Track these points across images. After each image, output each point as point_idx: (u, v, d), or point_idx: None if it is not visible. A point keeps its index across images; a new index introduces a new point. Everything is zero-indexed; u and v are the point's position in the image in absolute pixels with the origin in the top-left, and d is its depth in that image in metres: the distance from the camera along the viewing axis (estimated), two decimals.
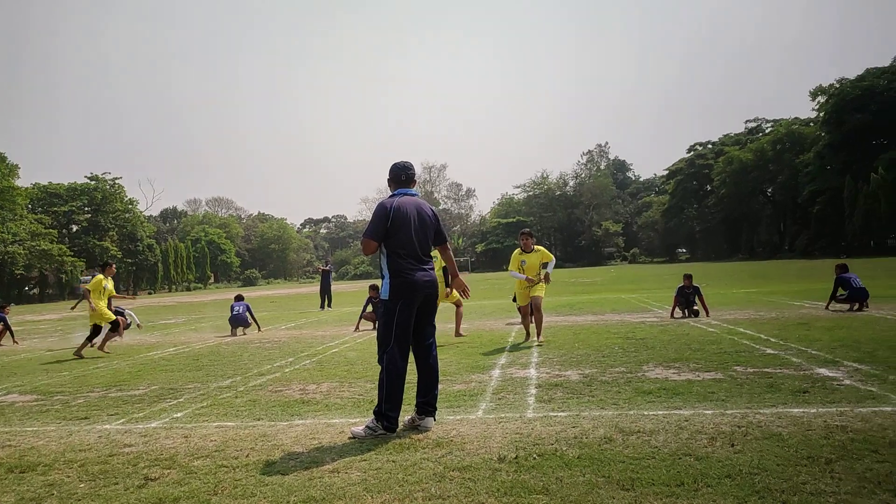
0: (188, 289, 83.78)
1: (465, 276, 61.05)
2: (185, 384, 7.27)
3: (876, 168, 54.24)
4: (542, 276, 9.18)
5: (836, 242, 59.82)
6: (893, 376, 5.57)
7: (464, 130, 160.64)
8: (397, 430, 4.58)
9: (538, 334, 9.22)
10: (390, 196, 4.91)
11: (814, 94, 68.00)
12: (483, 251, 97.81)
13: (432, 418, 4.74)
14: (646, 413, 4.73)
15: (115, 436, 4.96)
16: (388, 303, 4.70)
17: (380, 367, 4.71)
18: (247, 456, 4.19)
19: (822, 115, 65.49)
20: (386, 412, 4.56)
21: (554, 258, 9.44)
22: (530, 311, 9.33)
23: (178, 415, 5.64)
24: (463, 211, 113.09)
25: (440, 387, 6.15)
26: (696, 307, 11.83)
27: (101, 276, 11.17)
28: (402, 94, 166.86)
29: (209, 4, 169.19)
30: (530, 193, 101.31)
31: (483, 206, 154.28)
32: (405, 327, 4.67)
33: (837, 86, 62.91)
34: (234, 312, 13.36)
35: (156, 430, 5.11)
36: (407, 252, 4.71)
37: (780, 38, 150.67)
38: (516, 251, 9.45)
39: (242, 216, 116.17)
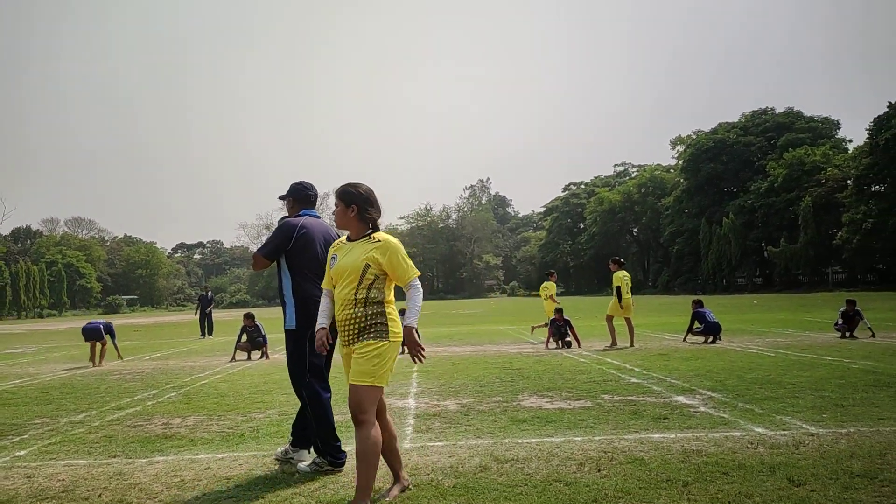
0: (41, 315, 76.69)
1: None
2: (31, 419, 6.60)
3: (727, 213, 59.62)
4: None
5: (692, 279, 64.85)
6: (742, 403, 6.05)
7: (348, 157, 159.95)
8: (344, 462, 4.29)
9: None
10: (294, 216, 4.61)
11: (674, 144, 74.34)
12: None
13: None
14: (520, 441, 4.83)
15: None
16: (297, 333, 4.37)
17: (300, 401, 4.47)
18: (99, 496, 3.84)
19: (680, 162, 71.45)
20: (325, 448, 4.27)
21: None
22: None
23: (21, 453, 5.09)
24: None
25: None
26: (568, 338, 12.35)
27: None
28: (286, 115, 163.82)
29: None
30: (413, 225, 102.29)
31: None
32: (319, 357, 4.36)
33: (694, 137, 68.96)
34: (88, 324, 12.34)
35: None
36: (315, 274, 4.38)
37: (647, 89, 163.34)
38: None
39: (106, 238, 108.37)
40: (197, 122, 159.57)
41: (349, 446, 4.40)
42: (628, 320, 12.28)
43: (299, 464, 4.36)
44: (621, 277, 12.23)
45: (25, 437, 5.73)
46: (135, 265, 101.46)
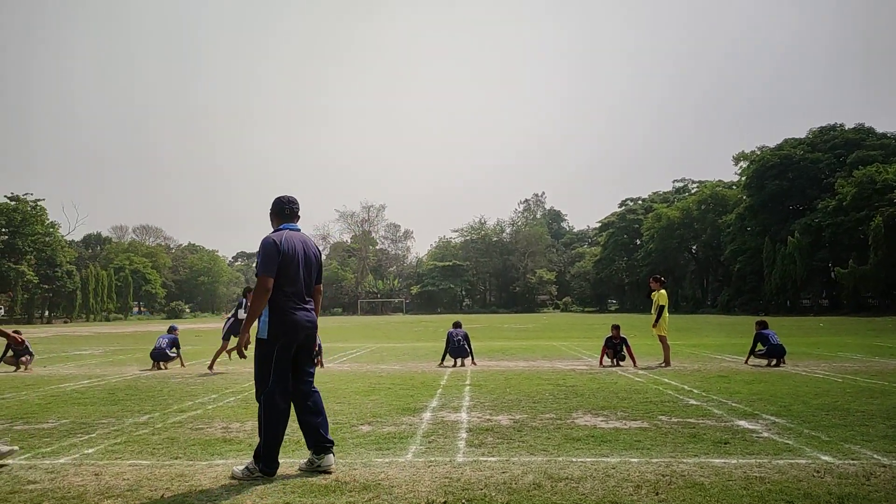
0: (107, 319, 79.93)
1: (398, 318, 60.25)
2: (98, 419, 6.88)
3: (792, 232, 57.53)
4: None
5: (754, 300, 62.69)
6: (808, 430, 5.81)
7: (405, 171, 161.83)
8: (276, 473, 4.40)
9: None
10: (275, 231, 4.71)
11: (736, 160, 72.16)
12: (418, 293, 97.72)
13: (331, 455, 4.54)
14: (574, 460, 4.76)
15: (19, 472, 4.63)
16: (266, 343, 4.48)
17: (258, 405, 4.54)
18: (161, 496, 3.97)
19: (743, 179, 69.37)
20: (264, 454, 4.38)
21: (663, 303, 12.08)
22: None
23: (90, 451, 5.31)
24: (400, 252, 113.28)
25: (367, 428, 6.06)
26: (623, 356, 12.12)
27: None
28: (344, 131, 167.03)
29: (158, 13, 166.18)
30: (467, 238, 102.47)
31: (420, 248, 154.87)
32: (284, 368, 4.49)
33: (758, 153, 66.91)
34: (156, 345, 12.80)
35: (64, 466, 4.79)
36: (293, 290, 4.53)
37: (710, 104, 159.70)
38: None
39: (171, 246, 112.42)
40: (263, 134, 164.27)
41: (290, 459, 4.54)
42: (663, 339, 12.21)
43: (234, 467, 4.47)
44: (665, 296, 12.22)
45: (93, 435, 5.97)
46: (197, 272, 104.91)
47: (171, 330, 13.42)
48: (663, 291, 12.23)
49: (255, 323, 4.55)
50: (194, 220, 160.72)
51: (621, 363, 12.10)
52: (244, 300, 12.23)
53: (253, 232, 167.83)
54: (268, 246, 4.50)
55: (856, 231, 52.72)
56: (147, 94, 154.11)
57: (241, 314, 11.97)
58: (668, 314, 12.28)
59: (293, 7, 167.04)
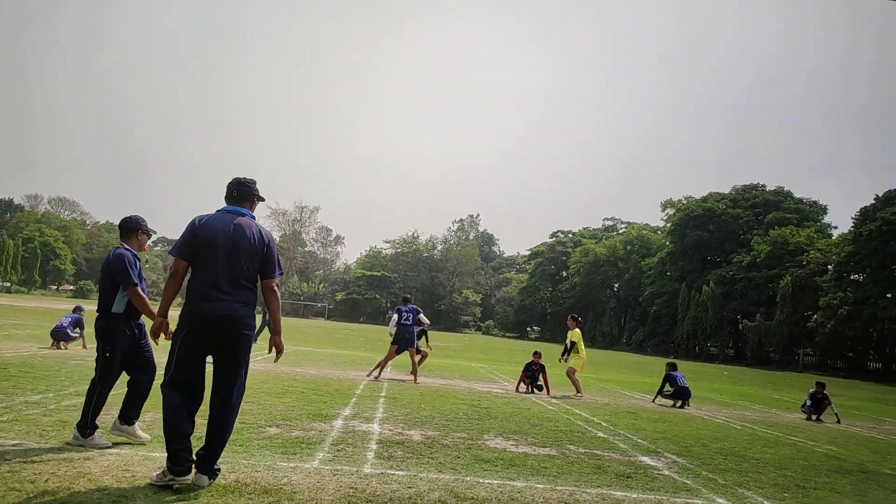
0: (8, 291, 75.19)
1: (320, 322, 59.22)
2: None
3: (708, 281, 60.21)
4: None
5: (666, 342, 65.07)
6: (706, 471, 6.03)
7: (342, 176, 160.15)
8: (188, 473, 3.93)
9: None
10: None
11: (664, 206, 75.24)
12: (343, 300, 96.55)
13: (206, 477, 3.99)
14: (481, 481, 4.77)
15: None
16: (176, 330, 4.16)
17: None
18: (46, 481, 3.72)
19: (668, 225, 72.29)
20: (169, 452, 3.95)
21: None
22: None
23: None
24: (329, 256, 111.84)
25: (275, 430, 5.88)
26: (539, 384, 12.30)
27: None
28: (284, 125, 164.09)
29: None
30: (398, 250, 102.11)
31: (350, 255, 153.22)
32: (186, 362, 4.06)
33: (684, 202, 69.94)
34: (58, 324, 12.12)
35: None
36: (206, 275, 4.07)
37: (644, 150, 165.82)
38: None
39: (87, 222, 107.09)
40: (189, 119, 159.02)
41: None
42: (571, 372, 12.64)
43: (153, 473, 4.04)
44: (580, 335, 12.76)
45: None
46: None
47: (77, 310, 12.76)
48: (577, 330, 12.77)
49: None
50: (115, 197, 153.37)
51: (537, 391, 12.28)
52: (402, 307, 12.13)
53: (176, 217, 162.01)
54: (188, 226, 4.17)
55: (766, 287, 55.66)
56: (69, 59, 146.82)
57: (400, 320, 11.98)
58: (584, 351, 12.67)
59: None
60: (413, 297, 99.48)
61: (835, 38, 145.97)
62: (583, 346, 12.66)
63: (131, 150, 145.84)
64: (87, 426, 4.78)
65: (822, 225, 60.50)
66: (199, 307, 4.07)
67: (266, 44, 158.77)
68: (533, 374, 12.37)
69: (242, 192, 4.39)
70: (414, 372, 12.18)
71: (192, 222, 4.19)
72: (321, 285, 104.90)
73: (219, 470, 4.11)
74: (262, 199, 4.56)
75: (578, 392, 12.35)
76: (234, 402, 4.19)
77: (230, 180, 4.43)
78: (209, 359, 4.18)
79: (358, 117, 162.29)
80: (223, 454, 4.25)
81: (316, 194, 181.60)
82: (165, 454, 3.98)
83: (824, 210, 62.83)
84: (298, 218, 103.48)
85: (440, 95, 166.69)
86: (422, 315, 12.52)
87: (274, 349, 4.41)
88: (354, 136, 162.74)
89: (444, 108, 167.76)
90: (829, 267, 50.08)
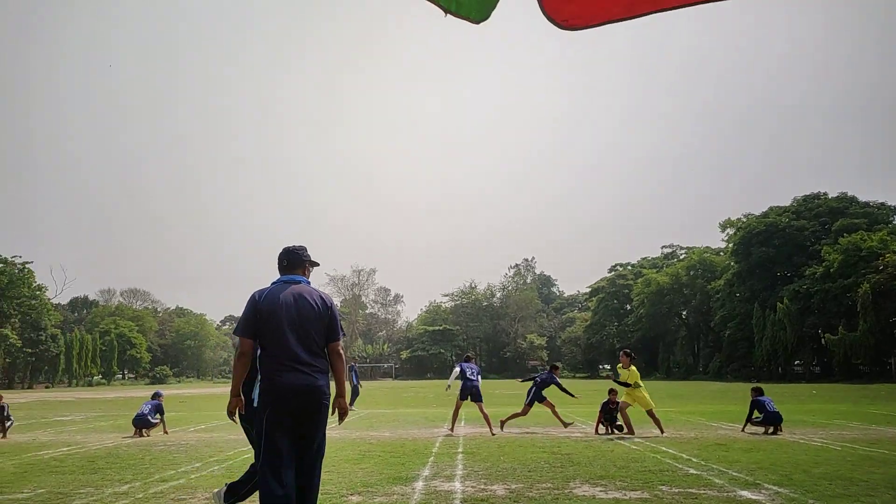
0: (90, 384, 78.23)
1: (388, 383, 59.33)
2: (76, 488, 6.60)
3: (781, 298, 57.80)
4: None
5: (745, 366, 62.34)
6: (813, 500, 5.65)
7: (395, 235, 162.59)
8: None
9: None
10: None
11: (723, 227, 73.10)
12: (408, 358, 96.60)
13: None
14: None
15: None
16: (256, 411, 4.04)
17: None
18: None
19: (730, 245, 70.10)
20: None
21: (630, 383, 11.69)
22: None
23: None
24: (390, 316, 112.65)
25: (358, 498, 5.82)
26: (619, 424, 11.90)
27: None
28: (333, 193, 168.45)
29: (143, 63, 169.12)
30: (457, 302, 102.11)
31: (410, 312, 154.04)
32: (275, 443, 3.91)
33: (744, 220, 67.91)
34: (139, 412, 12.46)
35: None
36: (278, 350, 4.00)
37: (696, 172, 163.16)
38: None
39: (158, 309, 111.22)
40: (252, 194, 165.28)
41: None
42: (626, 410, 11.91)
43: None
44: (636, 374, 11.85)
45: None
46: (184, 336, 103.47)
47: (156, 396, 13.10)
48: (633, 368, 11.87)
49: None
50: (183, 282, 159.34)
51: (617, 430, 11.87)
52: (464, 364, 12.72)
53: (242, 294, 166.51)
54: (248, 302, 4.14)
55: (844, 297, 53.04)
56: (138, 155, 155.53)
57: (465, 375, 12.46)
58: (643, 387, 11.82)
59: (294, 51, 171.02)
60: (477, 347, 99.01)
61: (869, 28, 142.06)
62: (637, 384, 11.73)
63: (199, 231, 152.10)
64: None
65: (894, 226, 57.67)
66: (277, 381, 3.96)
67: (306, 95, 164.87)
68: (611, 414, 11.99)
69: (293, 260, 4.37)
70: (488, 423, 12.04)
71: (252, 297, 4.15)
72: (385, 346, 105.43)
73: None
74: (316, 264, 4.53)
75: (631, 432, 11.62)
76: (318, 472, 4.12)
77: (280, 252, 4.43)
78: None
79: (411, 172, 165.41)
80: None
81: (372, 256, 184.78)
82: None
83: (894, 211, 60.03)
84: (357, 282, 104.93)
85: (475, 136, 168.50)
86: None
87: (338, 410, 4.23)
88: (407, 192, 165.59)
89: (482, 151, 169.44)
90: None
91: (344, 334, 4.40)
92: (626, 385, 11.77)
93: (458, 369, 12.59)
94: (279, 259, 4.40)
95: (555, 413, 13.00)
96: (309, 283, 4.37)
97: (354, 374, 20.67)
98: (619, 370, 12.15)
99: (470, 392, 12.18)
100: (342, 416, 4.27)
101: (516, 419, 13.15)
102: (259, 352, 4.11)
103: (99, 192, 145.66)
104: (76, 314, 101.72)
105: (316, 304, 4.14)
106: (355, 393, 20.35)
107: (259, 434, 4.00)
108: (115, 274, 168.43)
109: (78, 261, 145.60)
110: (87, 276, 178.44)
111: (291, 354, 3.99)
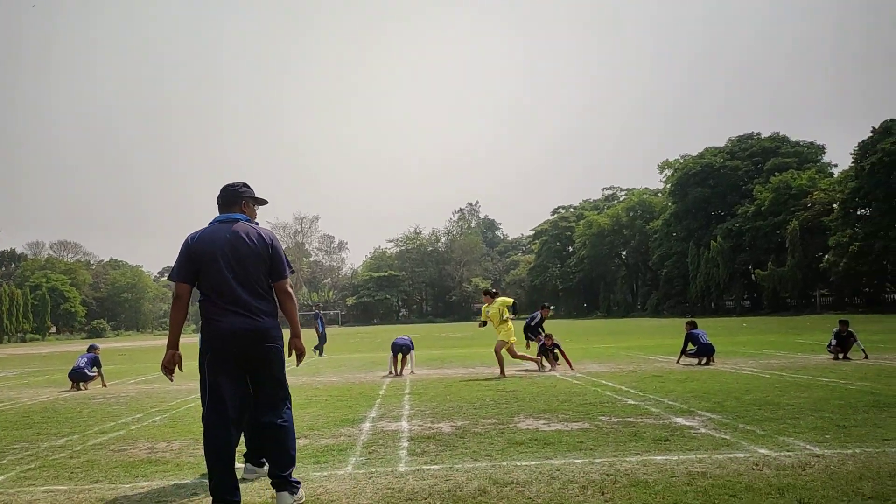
0: (23, 340, 75.53)
1: (335, 329, 59.46)
2: (10, 444, 6.37)
3: (715, 236, 59.98)
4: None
5: (681, 303, 65.00)
6: (743, 424, 5.93)
7: (338, 182, 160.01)
8: None
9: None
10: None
11: (661, 168, 74.82)
12: (354, 304, 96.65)
13: (286, 493, 3.80)
14: (518, 464, 4.68)
15: None
16: (200, 356, 3.89)
17: None
18: None
19: (668, 186, 71.92)
20: (212, 494, 3.69)
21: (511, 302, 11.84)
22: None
23: (0, 478, 4.88)
24: (335, 264, 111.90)
25: (304, 441, 5.81)
26: (559, 362, 12.27)
27: None
28: (274, 139, 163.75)
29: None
30: (402, 248, 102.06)
31: (355, 259, 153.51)
32: (218, 386, 3.79)
33: (681, 161, 69.51)
34: (75, 365, 12.08)
35: None
36: (216, 293, 3.82)
37: (635, 114, 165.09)
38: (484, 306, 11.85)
39: (92, 262, 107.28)
40: (181, 140, 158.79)
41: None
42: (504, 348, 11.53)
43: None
44: (503, 302, 11.65)
45: (4, 462, 5.51)
46: (120, 289, 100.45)
47: (91, 348, 12.71)
48: (502, 299, 11.69)
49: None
50: (116, 234, 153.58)
51: (557, 366, 12.24)
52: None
53: (177, 244, 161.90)
54: (181, 247, 3.93)
55: (773, 235, 55.44)
56: (58, 101, 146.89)
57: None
58: (510, 323, 11.54)
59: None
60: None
61: None
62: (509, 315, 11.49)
63: (125, 181, 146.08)
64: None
65: (822, 165, 60.07)
66: (216, 325, 3.82)
67: (253, 44, 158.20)
68: (550, 352, 12.35)
69: (228, 197, 4.14)
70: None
71: (185, 241, 3.94)
72: (331, 293, 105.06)
73: (298, 483, 3.92)
74: (262, 202, 4.30)
75: (503, 374, 11.22)
76: (286, 415, 4.00)
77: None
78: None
79: (348, 115, 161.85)
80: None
81: (314, 203, 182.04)
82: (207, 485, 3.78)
83: (822, 150, 62.39)
84: (300, 229, 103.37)
85: (427, 84, 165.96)
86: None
87: (294, 352, 4.06)
88: (345, 137, 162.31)
89: (431, 97, 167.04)
90: (835, 206, 49.81)
91: (292, 271, 4.20)
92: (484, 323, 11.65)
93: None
94: (218, 198, 4.16)
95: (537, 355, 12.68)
96: (248, 220, 4.12)
97: (320, 322, 20.33)
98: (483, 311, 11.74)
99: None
100: (300, 358, 4.12)
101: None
102: (200, 297, 3.94)
103: (18, 141, 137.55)
104: (3, 268, 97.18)
105: (253, 241, 3.93)
106: (322, 339, 20.13)
107: (203, 379, 3.88)
108: (43, 226, 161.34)
109: (1, 214, 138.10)
110: (13, 229, 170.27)
111: (231, 297, 3.81)
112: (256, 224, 4.12)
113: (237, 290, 3.84)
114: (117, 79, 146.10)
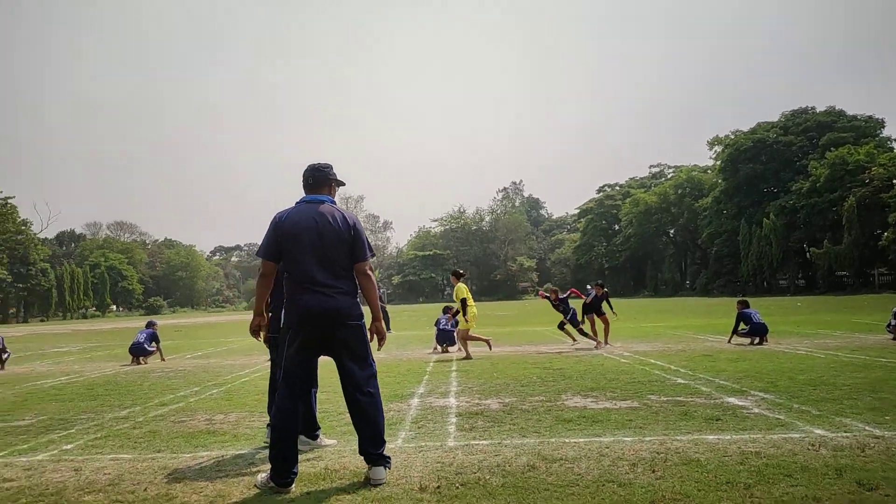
0: (84, 316, 78.75)
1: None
2: (77, 414, 6.69)
3: (767, 214, 58.23)
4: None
5: (732, 282, 63.47)
6: (797, 404, 5.81)
7: (383, 162, 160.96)
8: (291, 486, 3.76)
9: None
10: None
11: (711, 144, 72.67)
12: (399, 283, 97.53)
13: (381, 468, 3.85)
14: (567, 440, 4.70)
15: None
16: (281, 331, 4.10)
17: None
18: (144, 490, 3.83)
19: (718, 163, 69.90)
20: (273, 463, 3.80)
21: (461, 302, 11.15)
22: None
23: (68, 446, 5.14)
24: (380, 243, 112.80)
25: None
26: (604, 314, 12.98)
27: None
28: (318, 123, 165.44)
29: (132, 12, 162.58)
30: (447, 227, 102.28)
31: (400, 238, 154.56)
32: (293, 363, 3.94)
33: (732, 137, 67.42)
34: (135, 340, 12.56)
35: (42, 462, 4.63)
36: (298, 272, 3.92)
37: (683, 89, 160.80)
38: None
39: (147, 242, 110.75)
40: (235, 127, 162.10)
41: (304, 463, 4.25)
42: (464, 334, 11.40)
43: (259, 475, 3.97)
44: (465, 290, 11.25)
45: (72, 431, 5.80)
46: (175, 268, 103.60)
47: (150, 325, 13.18)
48: (462, 285, 11.32)
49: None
50: (170, 215, 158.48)
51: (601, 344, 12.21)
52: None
53: (230, 226, 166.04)
54: (269, 225, 4.03)
55: (829, 212, 53.51)
56: (118, 90, 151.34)
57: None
58: (474, 307, 11.39)
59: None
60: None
61: None
62: (472, 302, 11.26)
63: (179, 164, 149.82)
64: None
65: (881, 139, 57.48)
66: (296, 304, 3.92)
67: (322, 23, 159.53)
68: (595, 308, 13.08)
69: (318, 179, 4.18)
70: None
71: (274, 219, 4.02)
72: (377, 272, 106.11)
73: (390, 458, 4.00)
74: (342, 184, 4.36)
75: (468, 356, 10.95)
76: (373, 392, 4.04)
77: (304, 169, 4.25)
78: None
79: (393, 100, 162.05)
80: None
81: (359, 184, 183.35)
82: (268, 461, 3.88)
83: (882, 124, 59.68)
84: (345, 209, 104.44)
85: (470, 67, 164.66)
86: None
87: (375, 336, 4.16)
88: (387, 121, 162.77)
89: (473, 76, 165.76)
90: (894, 182, 47.66)
91: (373, 254, 4.27)
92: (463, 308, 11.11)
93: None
94: (304, 177, 4.22)
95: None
96: (334, 202, 4.19)
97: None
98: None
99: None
100: (381, 341, 4.18)
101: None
102: (285, 275, 4.03)
103: (77, 128, 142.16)
104: (64, 248, 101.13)
105: (338, 223, 4.00)
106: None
107: (280, 354, 4.04)
108: (101, 208, 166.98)
109: (62, 196, 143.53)
110: (73, 211, 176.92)
111: (311, 277, 3.91)
112: (339, 207, 4.19)
113: (318, 269, 3.93)
114: (168, 68, 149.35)
